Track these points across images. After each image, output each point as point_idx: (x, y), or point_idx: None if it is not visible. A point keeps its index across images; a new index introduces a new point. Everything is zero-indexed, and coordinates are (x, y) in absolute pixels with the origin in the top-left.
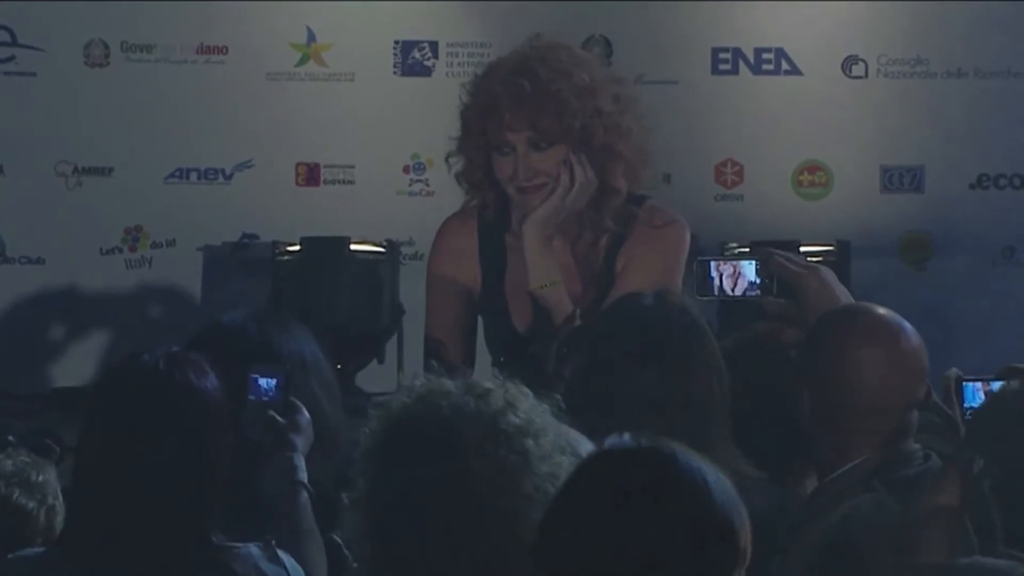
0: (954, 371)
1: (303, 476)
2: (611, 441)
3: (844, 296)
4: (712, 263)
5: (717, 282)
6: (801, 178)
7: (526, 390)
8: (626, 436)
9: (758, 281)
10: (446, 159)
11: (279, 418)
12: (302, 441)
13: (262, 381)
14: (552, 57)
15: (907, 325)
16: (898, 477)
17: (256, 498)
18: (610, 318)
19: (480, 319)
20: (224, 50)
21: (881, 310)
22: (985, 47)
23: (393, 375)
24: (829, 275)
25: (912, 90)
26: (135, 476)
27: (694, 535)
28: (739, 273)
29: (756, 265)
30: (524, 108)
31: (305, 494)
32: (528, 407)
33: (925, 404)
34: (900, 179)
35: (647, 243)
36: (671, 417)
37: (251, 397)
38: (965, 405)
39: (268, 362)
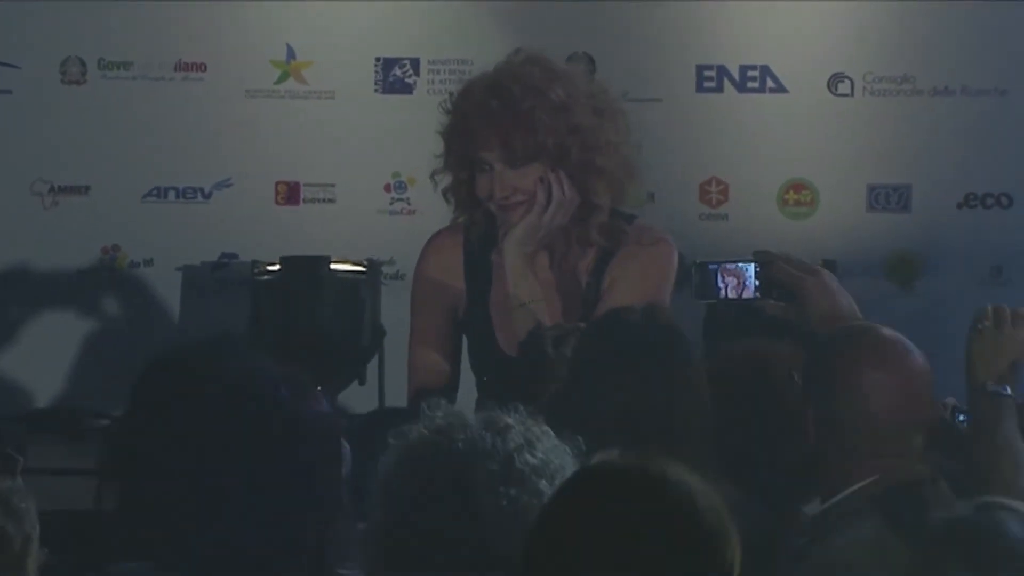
0: (950, 400)
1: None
2: (598, 457)
3: (846, 300)
4: (712, 266)
5: (717, 285)
6: (786, 197)
7: (547, 429)
8: (614, 452)
9: (758, 284)
10: (431, 176)
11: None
12: (343, 472)
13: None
14: (526, 74)
15: (913, 346)
16: (904, 501)
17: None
18: (595, 331)
19: (464, 337)
20: (203, 67)
21: (887, 330)
22: (972, 65)
23: (375, 396)
24: (831, 279)
25: (899, 108)
26: (251, 500)
27: (680, 550)
28: (740, 276)
29: (757, 268)
30: (494, 127)
31: (347, 525)
32: (548, 447)
33: (932, 425)
34: (887, 198)
35: (635, 261)
36: (650, 434)
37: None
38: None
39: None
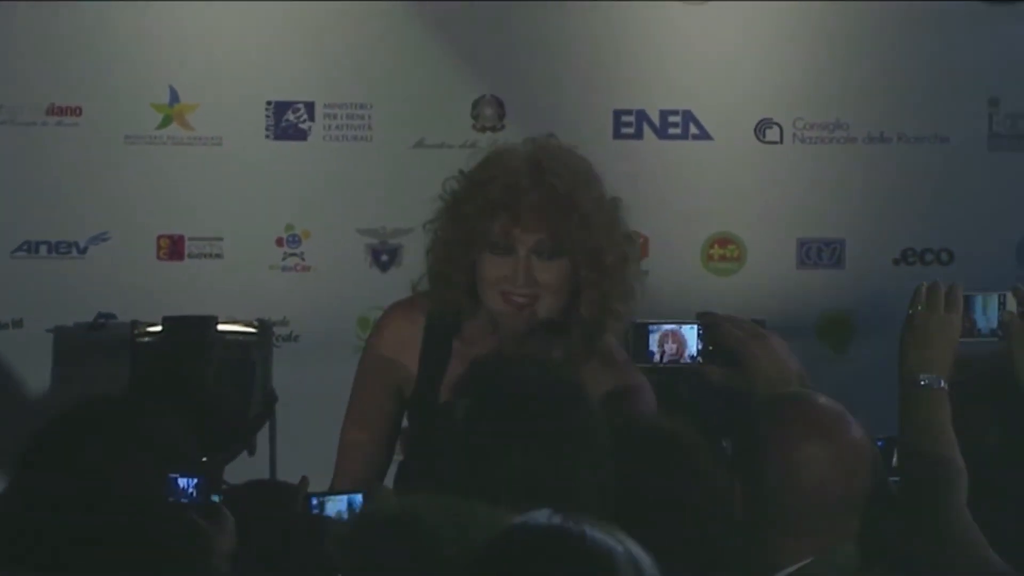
0: None
1: None
2: (522, 519)
3: (794, 366)
4: (651, 327)
5: (656, 348)
6: (711, 252)
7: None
8: (537, 514)
9: (701, 348)
10: (425, 225)
11: (201, 522)
12: (227, 545)
13: (182, 481)
14: (571, 162)
15: (849, 416)
16: None
17: None
18: (485, 389)
19: (406, 420)
20: (78, 111)
21: (822, 399)
22: (909, 110)
23: (265, 468)
24: (779, 343)
25: (831, 156)
26: None
27: None
28: (681, 339)
29: (699, 331)
30: (544, 210)
31: None
32: None
33: (870, 503)
34: (818, 253)
35: None
36: (543, 498)
37: (170, 499)
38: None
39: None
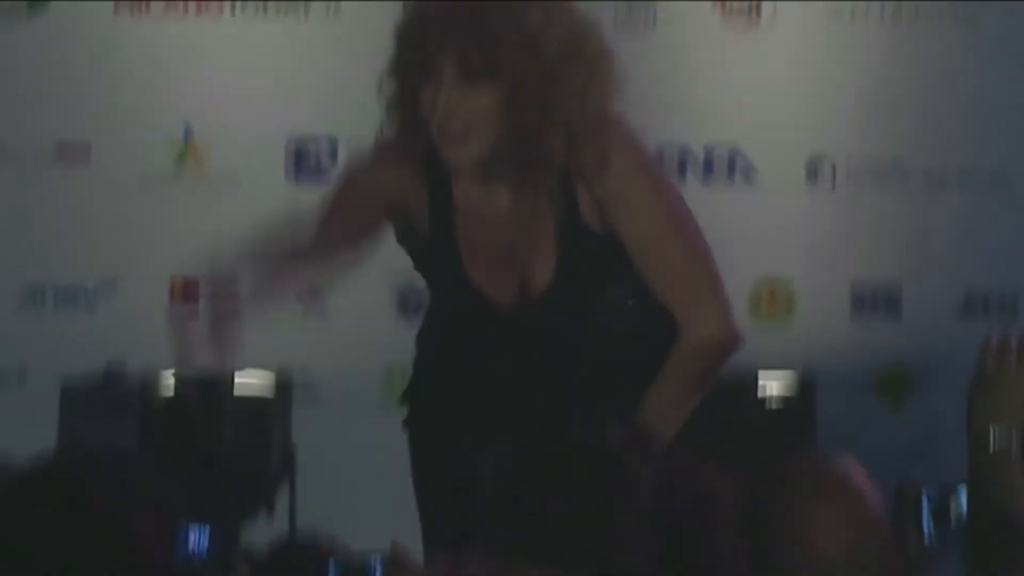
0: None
1: None
2: None
3: None
4: None
5: None
6: (759, 299)
7: None
8: None
9: None
10: (378, 89)
11: None
12: None
13: (192, 535)
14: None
15: (868, 484)
16: None
17: None
18: (520, 446)
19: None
20: (87, 148)
21: (838, 462)
22: (970, 147)
23: (284, 527)
24: None
25: (887, 197)
26: None
27: None
28: None
29: None
30: (452, 25)
31: None
32: None
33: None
34: (874, 301)
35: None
36: (585, 565)
37: (180, 555)
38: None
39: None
